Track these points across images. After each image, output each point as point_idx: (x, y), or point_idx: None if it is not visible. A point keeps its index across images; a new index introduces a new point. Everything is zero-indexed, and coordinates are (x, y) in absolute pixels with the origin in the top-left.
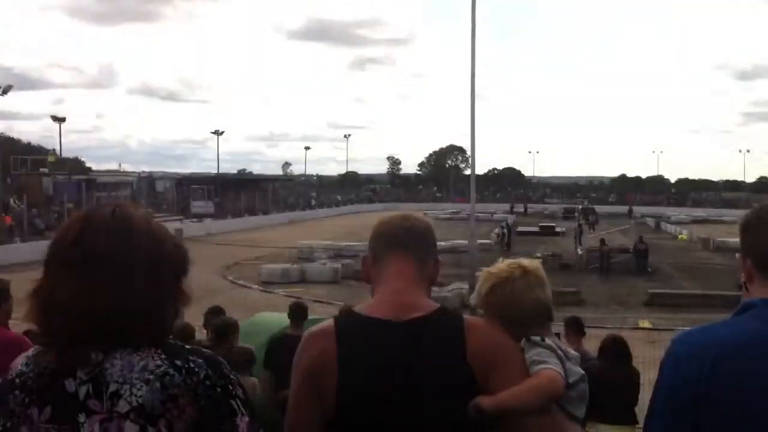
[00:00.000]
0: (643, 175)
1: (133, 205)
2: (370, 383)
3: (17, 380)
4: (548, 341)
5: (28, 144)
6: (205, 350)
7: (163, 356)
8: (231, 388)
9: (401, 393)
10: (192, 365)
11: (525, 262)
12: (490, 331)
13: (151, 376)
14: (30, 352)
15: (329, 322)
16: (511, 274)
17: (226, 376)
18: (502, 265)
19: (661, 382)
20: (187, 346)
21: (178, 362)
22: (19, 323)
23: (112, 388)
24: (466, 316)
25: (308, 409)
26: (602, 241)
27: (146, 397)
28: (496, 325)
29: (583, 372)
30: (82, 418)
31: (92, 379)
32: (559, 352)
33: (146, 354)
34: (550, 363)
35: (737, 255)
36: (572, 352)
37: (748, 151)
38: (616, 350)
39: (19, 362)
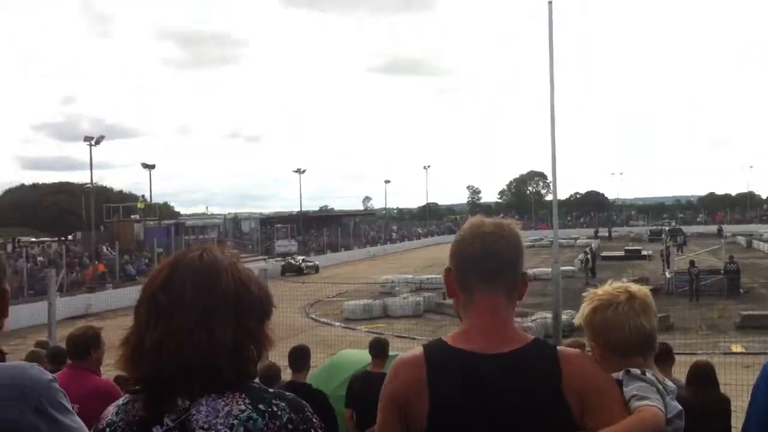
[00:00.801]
0: (733, 193)
1: (220, 247)
2: (462, 411)
3: (107, 429)
4: (649, 375)
5: (120, 192)
6: (288, 393)
7: (247, 401)
8: (313, 431)
9: (494, 424)
10: (275, 409)
11: (633, 287)
12: (587, 363)
13: (235, 421)
14: (120, 401)
15: (418, 350)
16: (616, 297)
17: (309, 420)
18: (609, 287)
19: (753, 405)
20: (271, 390)
21: (262, 406)
22: (111, 370)
23: None
24: (560, 347)
25: None
26: (691, 263)
27: None
28: (597, 349)
29: (681, 408)
30: None
31: (179, 426)
32: (659, 386)
33: (231, 399)
34: (652, 399)
35: None
36: (671, 384)
37: None
38: (702, 377)
39: (110, 411)
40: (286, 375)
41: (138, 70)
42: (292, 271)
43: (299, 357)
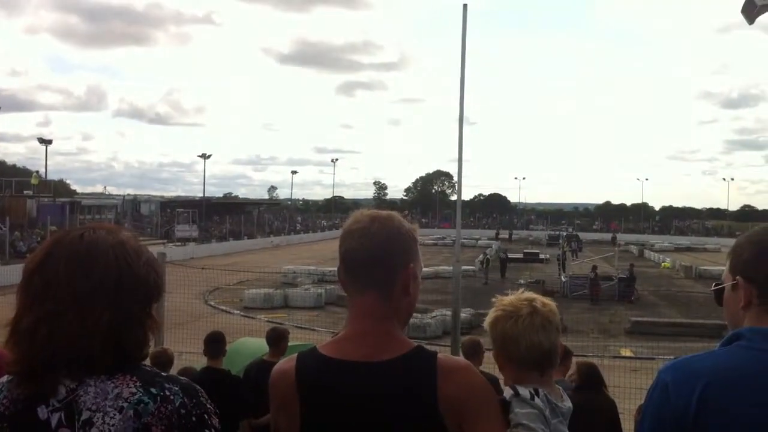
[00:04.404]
0: (628, 203)
1: (111, 228)
2: (331, 425)
3: None
4: (537, 399)
5: (14, 166)
6: (182, 378)
7: (138, 383)
8: (207, 417)
9: None
10: (167, 393)
11: (539, 300)
12: (469, 376)
13: (125, 404)
14: (5, 379)
15: (291, 362)
16: (518, 310)
17: (203, 405)
18: (515, 297)
19: (647, 411)
20: (164, 373)
21: (153, 390)
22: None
23: (85, 416)
24: (442, 357)
25: None
26: (594, 268)
27: (119, 426)
28: (496, 357)
29: None
30: None
31: (65, 407)
32: (546, 412)
33: (121, 381)
34: (537, 430)
35: (715, 284)
36: (565, 405)
37: (732, 179)
38: (586, 378)
39: None
40: (180, 361)
41: (39, 41)
42: None
43: (215, 343)
